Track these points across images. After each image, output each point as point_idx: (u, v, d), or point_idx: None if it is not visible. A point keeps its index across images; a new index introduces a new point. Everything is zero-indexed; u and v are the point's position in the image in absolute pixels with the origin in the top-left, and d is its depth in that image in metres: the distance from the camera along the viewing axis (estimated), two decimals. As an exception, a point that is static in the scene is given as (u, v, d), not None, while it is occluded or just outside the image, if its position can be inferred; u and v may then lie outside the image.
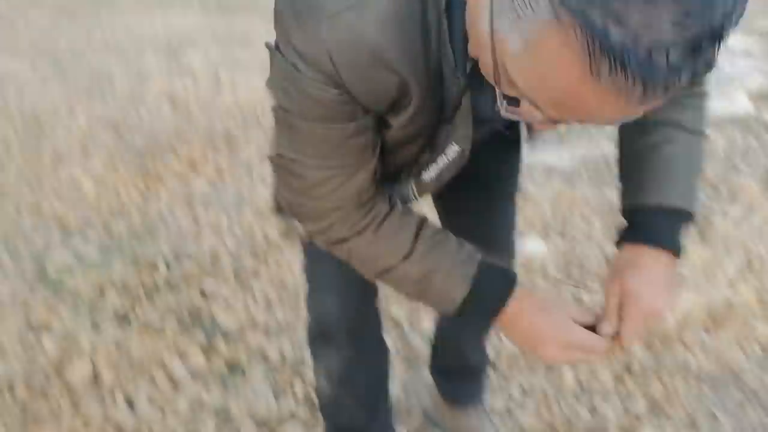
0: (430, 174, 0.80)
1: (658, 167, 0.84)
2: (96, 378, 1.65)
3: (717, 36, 0.40)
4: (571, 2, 0.40)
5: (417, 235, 0.77)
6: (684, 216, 0.83)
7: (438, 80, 0.66)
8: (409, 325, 1.91)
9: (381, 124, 0.71)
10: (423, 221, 0.80)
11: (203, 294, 1.97)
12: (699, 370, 1.79)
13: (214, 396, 1.64)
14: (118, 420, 1.54)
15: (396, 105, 0.67)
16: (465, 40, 0.61)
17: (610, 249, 2.20)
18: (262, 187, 2.56)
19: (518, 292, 0.77)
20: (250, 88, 3.72)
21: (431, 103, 0.68)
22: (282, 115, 0.69)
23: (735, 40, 5.10)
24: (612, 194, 2.58)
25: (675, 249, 0.81)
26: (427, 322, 1.92)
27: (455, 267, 0.77)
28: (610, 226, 2.37)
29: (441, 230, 0.80)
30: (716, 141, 3.10)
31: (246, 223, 2.33)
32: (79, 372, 1.64)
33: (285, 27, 0.63)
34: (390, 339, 1.86)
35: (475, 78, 0.63)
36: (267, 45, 0.67)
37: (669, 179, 0.84)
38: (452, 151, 0.75)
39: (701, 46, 0.40)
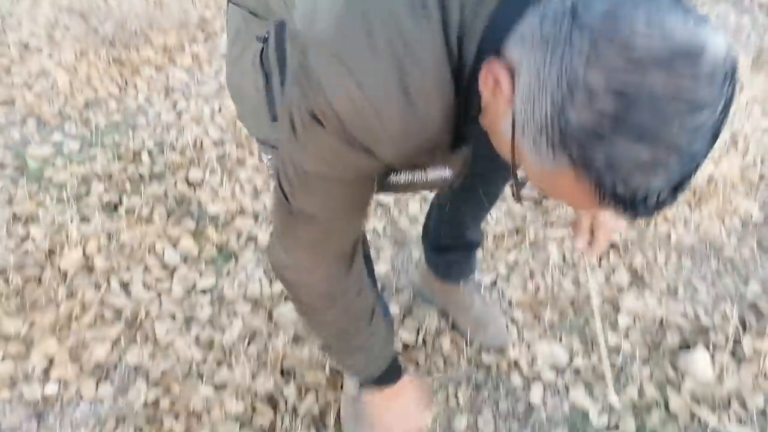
0: (398, 178, 0.81)
1: None
2: (89, 265, 1.67)
3: (695, 172, 0.51)
4: (586, 161, 0.50)
5: (371, 317, 0.97)
6: None
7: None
8: (396, 208, 1.92)
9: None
10: (375, 303, 0.98)
11: (189, 183, 1.95)
12: (680, 244, 1.84)
13: (207, 280, 1.67)
14: (115, 303, 1.58)
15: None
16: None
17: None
18: (243, 75, 2.46)
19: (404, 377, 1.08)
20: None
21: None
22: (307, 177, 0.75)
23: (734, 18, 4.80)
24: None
25: None
26: (414, 204, 1.93)
27: (383, 350, 1.03)
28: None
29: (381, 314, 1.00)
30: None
31: (228, 114, 2.26)
32: (71, 260, 1.65)
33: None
34: (377, 220, 1.88)
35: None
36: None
37: None
38: (437, 173, 0.81)
39: (684, 186, 0.52)
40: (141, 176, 1.94)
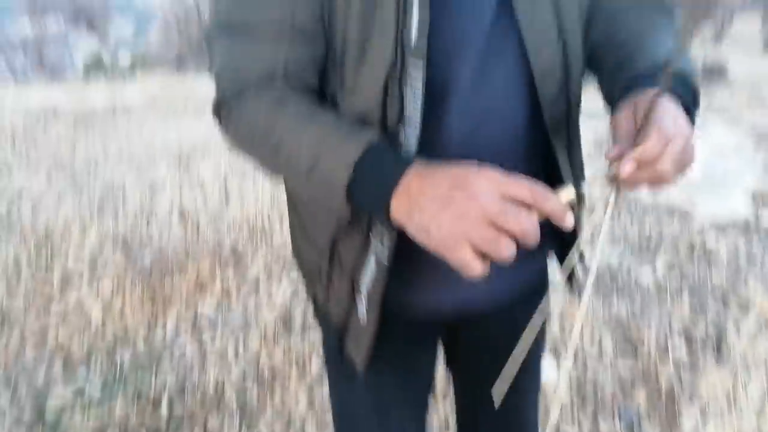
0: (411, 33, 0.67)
1: (636, 32, 0.77)
2: None
3: None
4: None
5: (312, 109, 0.70)
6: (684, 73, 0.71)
7: None
8: None
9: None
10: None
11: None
12: None
13: None
14: None
15: None
16: None
17: (623, 369, 2.16)
18: (267, 311, 2.57)
19: (422, 167, 0.62)
20: (257, 200, 3.83)
21: None
22: None
23: (725, 136, 5.25)
24: (621, 306, 2.57)
25: (687, 95, 0.69)
26: None
27: (346, 134, 0.66)
28: (620, 341, 2.34)
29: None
30: (720, 248, 3.11)
31: (252, 350, 2.31)
32: None
33: None
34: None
35: None
36: None
37: (651, 38, 0.75)
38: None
39: None
40: (158, 427, 1.92)
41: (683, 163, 0.63)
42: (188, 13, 24.27)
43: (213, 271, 2.94)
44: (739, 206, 3.70)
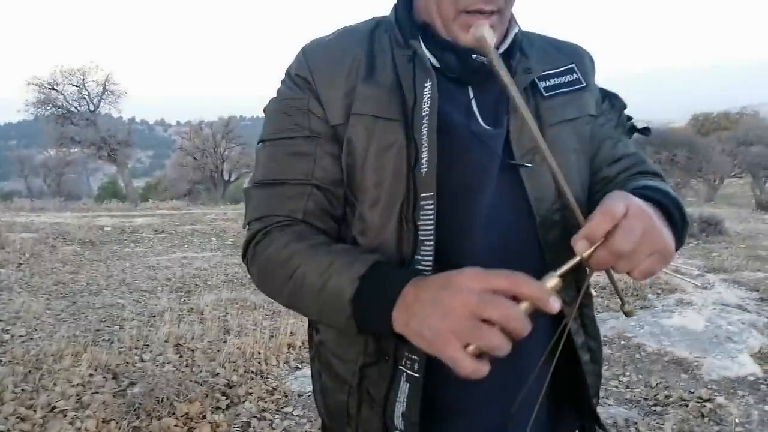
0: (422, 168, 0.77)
1: (636, 185, 0.81)
2: None
3: None
4: None
5: (327, 242, 0.80)
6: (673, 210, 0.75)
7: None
8: None
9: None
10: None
11: None
12: None
13: None
14: None
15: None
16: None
17: None
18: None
19: (419, 278, 0.68)
20: (256, 336, 3.77)
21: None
22: (262, 150, 0.87)
23: (727, 295, 5.28)
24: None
25: (667, 207, 0.73)
26: None
27: (354, 257, 0.74)
28: None
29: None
30: (730, 409, 3.00)
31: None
32: None
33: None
34: None
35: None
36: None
37: (650, 187, 0.79)
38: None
39: None
40: None
41: (652, 247, 0.62)
42: (206, 145, 25.61)
43: (203, 410, 2.81)
44: (746, 364, 3.62)
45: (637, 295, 5.15)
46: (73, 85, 21.90)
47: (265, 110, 0.89)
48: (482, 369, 0.57)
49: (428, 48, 0.82)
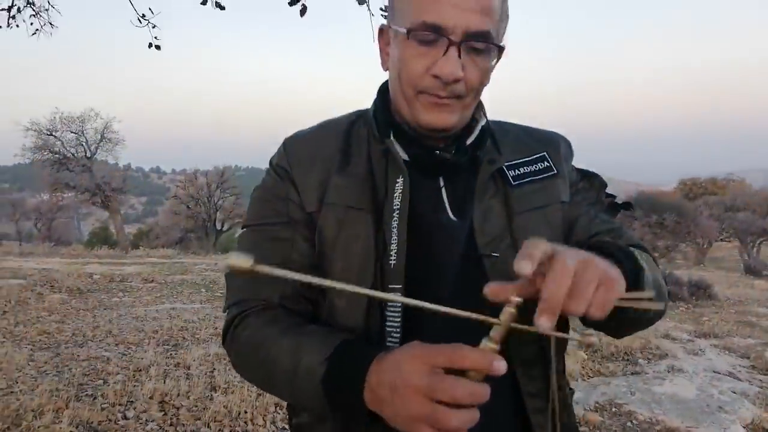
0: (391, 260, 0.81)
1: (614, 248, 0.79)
2: None
3: None
4: None
5: (299, 323, 0.82)
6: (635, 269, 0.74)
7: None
8: None
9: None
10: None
11: None
12: None
13: None
14: None
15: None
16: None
17: None
18: None
19: (380, 357, 0.68)
20: (243, 393, 3.70)
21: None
22: (244, 235, 0.91)
23: (718, 362, 5.26)
24: None
25: (627, 265, 0.72)
26: None
27: (323, 337, 0.76)
28: None
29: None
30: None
31: None
32: None
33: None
34: None
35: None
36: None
37: (623, 249, 0.78)
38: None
39: None
40: None
41: (593, 277, 0.59)
42: (200, 194, 25.70)
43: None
44: (738, 436, 3.58)
45: (627, 359, 5.13)
46: (72, 132, 22.13)
47: (250, 197, 0.95)
48: None
49: (400, 143, 0.87)
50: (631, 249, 0.79)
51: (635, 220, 11.11)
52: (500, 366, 0.58)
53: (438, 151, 0.86)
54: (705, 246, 17.97)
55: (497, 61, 0.86)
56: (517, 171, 0.90)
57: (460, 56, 0.78)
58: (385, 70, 0.89)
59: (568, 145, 0.98)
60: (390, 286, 0.81)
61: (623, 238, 0.90)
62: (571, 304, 0.58)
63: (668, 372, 4.82)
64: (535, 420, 0.84)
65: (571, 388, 0.98)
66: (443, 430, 0.58)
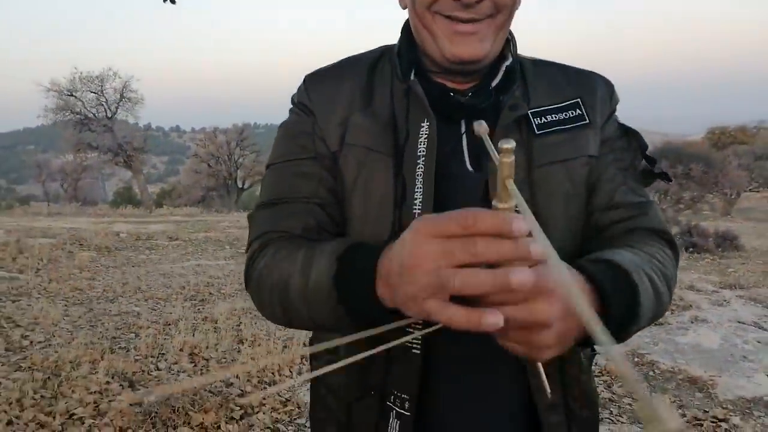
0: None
1: (615, 249, 0.73)
2: None
3: None
4: None
5: (309, 242, 0.76)
6: (626, 284, 0.65)
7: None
8: None
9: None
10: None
11: None
12: None
13: None
14: None
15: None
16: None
17: None
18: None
19: (388, 248, 0.61)
20: (269, 346, 3.80)
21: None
22: (268, 174, 0.88)
23: (743, 312, 5.22)
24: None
25: (600, 285, 0.62)
26: None
27: (332, 244, 0.69)
28: None
29: None
30: (745, 430, 2.97)
31: None
32: None
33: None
34: None
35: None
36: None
37: (618, 253, 0.71)
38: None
39: None
40: None
41: (542, 337, 0.55)
42: (220, 152, 25.83)
43: (218, 420, 2.84)
44: (762, 384, 3.58)
45: (651, 311, 5.12)
46: (92, 92, 22.24)
47: (275, 138, 0.90)
48: (485, 317, 0.49)
49: (422, 84, 0.80)
50: (636, 271, 0.68)
51: (669, 182, 10.87)
52: (520, 226, 0.47)
53: (452, 93, 0.80)
54: (733, 196, 17.60)
55: None
56: (543, 118, 0.82)
57: None
58: (404, 8, 0.83)
59: (610, 89, 0.88)
60: None
61: (647, 218, 0.83)
62: (512, 336, 0.55)
63: (692, 323, 4.81)
64: (538, 398, 0.80)
65: (593, 350, 0.92)
66: (460, 288, 0.49)
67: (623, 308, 0.64)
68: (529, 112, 0.81)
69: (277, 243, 0.78)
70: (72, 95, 21.94)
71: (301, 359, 3.68)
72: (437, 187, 0.77)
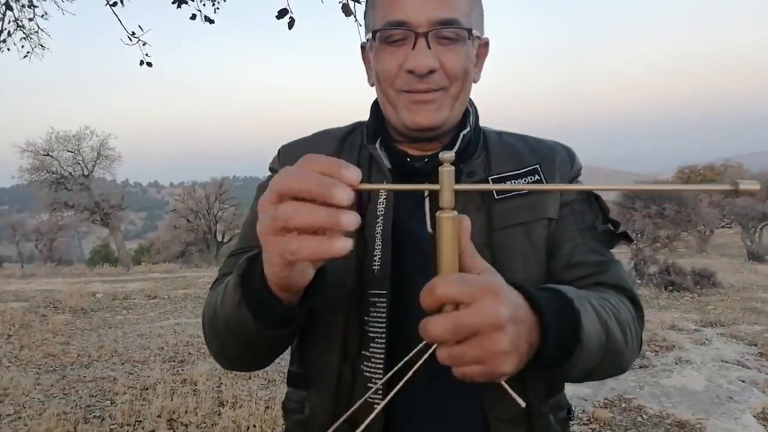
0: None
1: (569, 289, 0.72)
2: None
3: None
4: None
5: None
6: (569, 312, 0.65)
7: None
8: None
9: None
10: None
11: None
12: None
13: None
14: None
15: None
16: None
17: None
18: None
19: None
20: (251, 407, 3.69)
21: None
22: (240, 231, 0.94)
23: (725, 350, 5.25)
24: None
25: (540, 306, 0.61)
26: None
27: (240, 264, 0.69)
28: None
29: None
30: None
31: None
32: None
33: None
34: None
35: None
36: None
37: (572, 291, 0.70)
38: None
39: None
40: None
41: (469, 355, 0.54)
42: (199, 206, 25.67)
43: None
44: (750, 425, 3.56)
45: (635, 353, 5.11)
46: (68, 151, 22.14)
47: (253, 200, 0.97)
48: (335, 240, 0.50)
49: (386, 151, 0.88)
50: (579, 299, 0.68)
51: (635, 211, 11.09)
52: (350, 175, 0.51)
53: (409, 159, 0.87)
54: (707, 233, 17.96)
55: (480, 51, 0.87)
56: (503, 184, 0.86)
57: (429, 47, 0.78)
58: (372, 86, 0.90)
59: (571, 156, 0.93)
60: (371, 292, 0.81)
61: (607, 274, 0.85)
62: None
63: (676, 364, 4.81)
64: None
65: (569, 414, 0.91)
66: (280, 221, 0.51)
67: (561, 327, 0.63)
68: (490, 179, 0.87)
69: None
70: (48, 155, 21.81)
71: (283, 420, 3.57)
72: (397, 245, 0.82)
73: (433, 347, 0.55)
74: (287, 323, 0.67)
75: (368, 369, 0.81)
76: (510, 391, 0.57)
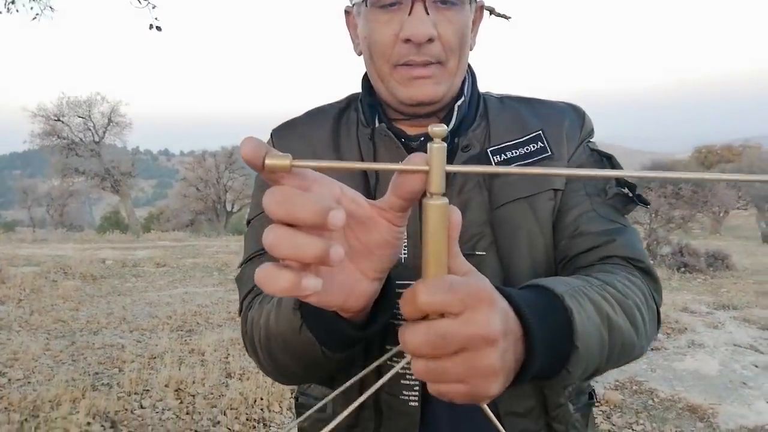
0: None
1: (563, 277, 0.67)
2: None
3: None
4: None
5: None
6: (559, 313, 0.56)
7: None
8: None
9: None
10: None
11: None
12: None
13: None
14: None
15: None
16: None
17: None
18: None
19: None
20: (258, 380, 3.68)
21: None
22: (247, 231, 0.87)
23: (738, 334, 5.17)
24: None
25: (524, 315, 0.51)
26: None
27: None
28: None
29: None
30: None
31: None
32: None
33: None
34: None
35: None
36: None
37: (563, 284, 0.62)
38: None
39: None
40: None
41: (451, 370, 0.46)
42: (209, 175, 25.71)
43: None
44: (763, 412, 3.51)
45: (647, 335, 5.05)
46: (79, 117, 22.10)
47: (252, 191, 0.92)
48: (305, 279, 0.40)
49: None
50: (571, 294, 0.59)
51: (650, 190, 10.93)
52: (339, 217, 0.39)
53: (403, 139, 0.81)
54: (722, 215, 17.72)
55: (476, 16, 0.80)
56: (503, 155, 0.79)
57: (428, 13, 0.72)
58: (359, 55, 0.83)
59: (580, 117, 0.84)
60: (398, 282, 0.70)
61: (614, 245, 0.75)
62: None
63: (689, 347, 4.75)
64: None
65: (591, 398, 0.86)
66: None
67: (550, 333, 0.53)
68: (488, 150, 0.80)
69: (258, 299, 0.77)
70: (59, 120, 21.79)
71: (291, 393, 3.56)
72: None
73: (408, 358, 0.46)
74: (358, 341, 0.59)
75: (395, 363, 0.75)
76: (491, 416, 0.47)
